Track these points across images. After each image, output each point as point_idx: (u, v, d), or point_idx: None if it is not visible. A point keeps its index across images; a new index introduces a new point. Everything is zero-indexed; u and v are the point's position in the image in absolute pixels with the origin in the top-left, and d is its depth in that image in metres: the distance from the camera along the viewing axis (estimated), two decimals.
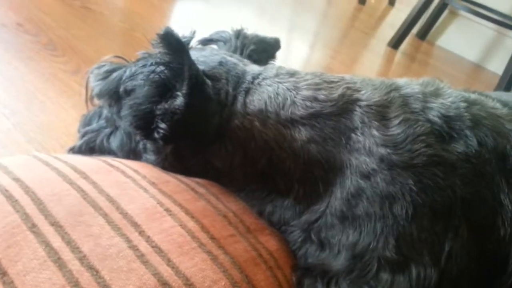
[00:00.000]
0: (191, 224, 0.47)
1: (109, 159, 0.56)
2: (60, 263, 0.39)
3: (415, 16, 2.17)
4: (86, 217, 0.44)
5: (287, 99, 0.51)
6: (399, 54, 2.16)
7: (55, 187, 0.46)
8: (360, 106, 0.50)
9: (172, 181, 0.54)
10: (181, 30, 0.59)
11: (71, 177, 0.49)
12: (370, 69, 1.92)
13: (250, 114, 0.52)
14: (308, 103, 0.51)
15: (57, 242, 0.40)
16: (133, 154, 0.60)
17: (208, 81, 0.52)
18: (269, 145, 0.51)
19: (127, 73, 0.56)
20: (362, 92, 0.51)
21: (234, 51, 0.65)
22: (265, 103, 0.52)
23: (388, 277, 0.45)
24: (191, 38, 0.59)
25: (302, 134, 0.50)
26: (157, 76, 0.51)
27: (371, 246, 0.46)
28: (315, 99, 0.51)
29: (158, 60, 0.50)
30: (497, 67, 2.23)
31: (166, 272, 0.41)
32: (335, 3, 2.91)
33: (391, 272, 0.45)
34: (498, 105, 0.52)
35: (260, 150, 0.52)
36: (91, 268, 0.39)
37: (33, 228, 0.41)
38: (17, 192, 0.45)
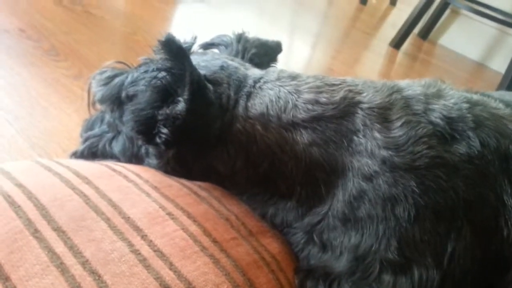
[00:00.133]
0: (193, 227, 0.47)
1: (112, 164, 0.56)
2: (62, 268, 0.39)
3: (417, 16, 2.16)
4: (88, 222, 0.44)
5: (288, 102, 0.51)
6: (401, 54, 2.15)
7: (57, 192, 0.47)
8: (361, 109, 0.50)
9: (174, 185, 0.54)
10: (182, 34, 0.59)
11: (74, 182, 0.49)
12: (371, 69, 1.91)
13: (251, 118, 0.52)
14: (310, 106, 0.51)
15: (59, 247, 0.41)
16: (135, 158, 0.61)
17: (210, 86, 0.53)
18: (271, 149, 0.51)
19: (129, 78, 0.56)
20: (364, 94, 0.51)
21: (236, 55, 0.65)
22: (267, 106, 0.52)
23: (390, 279, 0.45)
24: (193, 43, 0.60)
25: (304, 137, 0.50)
26: (158, 81, 0.51)
27: (373, 248, 0.46)
28: (317, 102, 0.51)
29: (160, 65, 0.50)
30: (499, 65, 2.22)
31: (168, 276, 0.41)
32: (336, 3, 2.91)
33: (393, 274, 0.45)
34: (500, 105, 0.52)
35: (262, 154, 0.52)
36: (93, 273, 0.39)
37: (35, 233, 0.41)
38: (20, 198, 0.45)
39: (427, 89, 0.52)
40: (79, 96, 1.00)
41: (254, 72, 0.57)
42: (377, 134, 0.48)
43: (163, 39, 0.48)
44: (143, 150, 0.60)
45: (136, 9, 1.67)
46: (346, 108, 0.50)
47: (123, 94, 0.56)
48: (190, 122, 0.50)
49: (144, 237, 0.44)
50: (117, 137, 0.62)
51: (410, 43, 2.30)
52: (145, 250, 0.43)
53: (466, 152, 0.46)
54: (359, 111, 0.49)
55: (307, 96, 0.51)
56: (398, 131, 0.47)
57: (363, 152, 0.48)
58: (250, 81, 0.54)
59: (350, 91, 0.51)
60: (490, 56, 2.34)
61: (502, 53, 2.25)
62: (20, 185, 0.47)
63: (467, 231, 0.45)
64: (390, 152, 0.47)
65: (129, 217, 0.46)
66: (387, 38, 2.22)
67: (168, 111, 0.50)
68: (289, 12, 2.39)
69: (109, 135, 0.63)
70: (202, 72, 0.53)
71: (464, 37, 2.38)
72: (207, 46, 0.68)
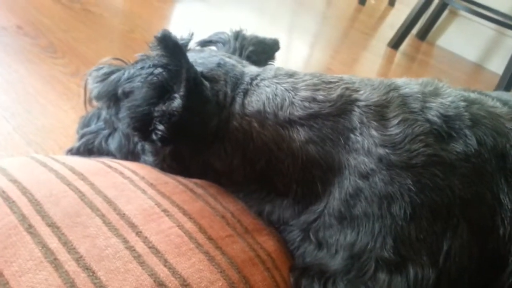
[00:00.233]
0: (188, 225, 0.47)
1: (108, 161, 0.56)
2: (56, 264, 0.39)
3: (415, 16, 2.17)
4: (83, 218, 0.44)
5: (285, 100, 0.51)
6: (399, 55, 2.15)
7: (52, 188, 0.46)
8: (358, 106, 0.49)
9: (170, 182, 0.53)
10: (181, 32, 0.59)
11: (69, 179, 0.49)
12: (370, 69, 1.91)
13: (248, 115, 0.52)
14: (307, 104, 0.50)
15: (53, 243, 0.40)
16: (131, 155, 0.60)
17: (206, 83, 0.52)
18: (268, 146, 0.51)
19: (125, 75, 0.56)
20: (361, 92, 0.51)
21: (233, 53, 0.65)
22: (264, 104, 0.52)
23: (385, 278, 0.44)
24: (189, 40, 0.59)
25: (300, 134, 0.50)
26: (155, 78, 0.51)
27: (369, 246, 0.46)
28: (314, 99, 0.51)
29: (156, 62, 0.50)
30: (497, 66, 2.22)
31: (163, 272, 0.41)
32: (335, 3, 2.91)
33: (389, 273, 0.45)
34: (498, 104, 0.52)
35: (259, 151, 0.52)
36: (87, 269, 0.39)
37: (29, 229, 0.41)
38: (14, 193, 0.44)
39: (424, 87, 0.52)
40: (76, 93, 0.99)
41: (251, 69, 0.57)
42: (373, 132, 0.48)
43: (159, 35, 0.48)
44: (139, 147, 0.59)
45: (135, 7, 1.67)
46: (343, 106, 0.50)
47: (120, 91, 0.56)
48: (186, 119, 0.50)
49: (139, 233, 0.44)
50: (113, 134, 0.62)
51: (408, 44, 2.30)
52: (140, 247, 0.43)
53: (463, 151, 0.46)
54: (356, 109, 0.49)
55: (304, 93, 0.51)
56: (395, 129, 0.47)
57: (359, 150, 0.48)
58: (247, 78, 0.54)
59: (347, 88, 0.51)
60: (488, 57, 2.34)
61: (500, 54, 2.26)
62: (15, 181, 0.46)
63: (463, 229, 0.45)
64: (386, 150, 0.47)
65: (124, 214, 0.46)
66: (385, 38, 2.23)
67: (164, 108, 0.50)
68: (288, 12, 2.39)
69: (105, 132, 0.63)
70: (199, 69, 0.53)
71: (462, 38, 2.39)
72: (204, 43, 0.68)
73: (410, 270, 0.44)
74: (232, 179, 0.55)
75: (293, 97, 0.51)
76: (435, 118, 0.48)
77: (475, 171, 0.46)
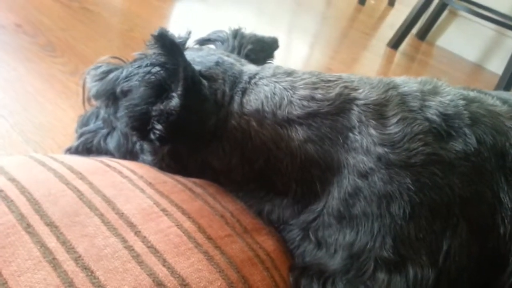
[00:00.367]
0: (187, 224, 0.47)
1: (106, 160, 0.56)
2: (55, 264, 0.39)
3: (415, 16, 2.17)
4: (81, 217, 0.44)
5: (284, 98, 0.51)
6: (398, 55, 2.15)
7: (51, 188, 0.46)
8: (357, 105, 0.49)
9: (169, 182, 0.53)
10: (180, 31, 0.59)
11: (68, 178, 0.48)
12: (369, 69, 1.91)
13: (246, 114, 0.52)
14: (305, 103, 0.50)
15: (52, 242, 0.40)
16: (130, 154, 0.60)
17: (205, 82, 0.52)
18: (266, 145, 0.51)
19: (123, 74, 0.55)
20: (360, 91, 0.51)
21: (232, 51, 0.65)
22: (262, 103, 0.52)
23: (384, 277, 0.44)
24: (187, 38, 0.59)
25: (299, 133, 0.50)
26: (152, 77, 0.50)
27: (368, 246, 0.45)
28: (312, 98, 0.50)
29: (154, 61, 0.50)
30: (497, 67, 2.22)
31: (162, 272, 0.41)
32: (334, 3, 2.91)
33: (388, 272, 0.44)
34: (497, 102, 0.52)
35: (257, 150, 0.51)
36: (86, 269, 0.39)
37: (28, 228, 0.41)
38: (13, 193, 0.44)
39: (423, 86, 0.52)
40: (75, 92, 0.99)
41: (249, 68, 0.57)
42: (372, 131, 0.47)
43: (156, 33, 0.48)
44: (137, 146, 0.59)
45: (134, 6, 1.67)
46: (342, 105, 0.50)
47: (118, 90, 0.56)
48: (184, 118, 0.50)
49: (137, 233, 0.44)
50: (112, 133, 0.62)
51: (408, 44, 2.30)
52: (139, 246, 0.43)
53: (462, 149, 0.46)
54: (355, 108, 0.49)
55: (303, 92, 0.51)
56: (393, 128, 0.47)
57: (358, 149, 0.48)
58: (246, 77, 0.54)
59: (345, 87, 0.51)
60: (487, 58, 2.34)
61: (499, 55, 2.26)
62: (13, 180, 0.46)
63: (463, 228, 0.45)
64: (385, 149, 0.47)
65: (123, 213, 0.45)
66: (385, 38, 2.22)
67: (162, 107, 0.50)
68: (287, 12, 2.39)
69: (104, 131, 0.63)
70: (197, 67, 0.53)
71: (462, 38, 2.39)
72: (203, 42, 0.67)
73: (409, 270, 0.44)
74: (231, 178, 0.55)
75: (292, 96, 0.51)
76: (434, 117, 0.48)
77: (474, 170, 0.46)
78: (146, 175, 0.53)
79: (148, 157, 0.58)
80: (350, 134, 0.48)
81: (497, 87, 1.94)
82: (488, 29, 2.29)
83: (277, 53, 0.72)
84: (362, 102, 0.49)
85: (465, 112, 0.48)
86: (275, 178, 0.52)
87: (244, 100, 0.52)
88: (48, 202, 0.44)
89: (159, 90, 0.51)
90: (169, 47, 0.48)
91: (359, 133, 0.48)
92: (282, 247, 0.53)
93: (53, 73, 1.06)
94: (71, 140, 0.69)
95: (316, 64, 1.79)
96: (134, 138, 0.58)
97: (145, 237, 0.44)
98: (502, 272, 0.46)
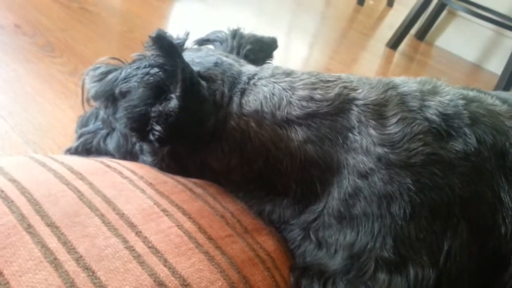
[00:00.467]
0: (188, 224, 0.47)
1: (106, 160, 0.56)
2: (56, 264, 0.39)
3: (414, 17, 2.17)
4: (82, 217, 0.44)
5: (283, 99, 0.51)
6: (397, 55, 2.16)
7: (51, 188, 0.46)
8: (356, 105, 0.49)
9: (169, 182, 0.53)
10: (179, 31, 0.59)
11: (68, 178, 0.48)
12: (368, 69, 1.91)
13: (245, 115, 0.52)
14: (304, 103, 0.50)
15: (53, 242, 0.40)
16: (130, 155, 0.60)
17: (203, 83, 0.52)
18: (266, 146, 0.51)
19: (122, 75, 0.55)
20: (359, 91, 0.51)
21: (231, 51, 0.65)
22: (261, 103, 0.52)
23: (385, 278, 0.44)
24: (185, 39, 0.59)
25: (298, 134, 0.50)
26: (151, 78, 0.50)
27: (368, 246, 0.45)
28: (311, 98, 0.51)
29: (152, 62, 0.50)
30: (496, 67, 2.23)
31: (163, 272, 0.41)
32: (333, 4, 2.92)
33: (389, 273, 0.44)
34: (497, 102, 0.52)
35: (257, 151, 0.52)
36: (87, 269, 0.39)
37: (29, 228, 0.41)
38: (13, 193, 0.44)
39: (422, 85, 0.52)
40: (74, 92, 0.99)
41: (248, 68, 0.57)
42: (372, 131, 0.48)
43: (153, 35, 0.48)
44: (137, 147, 0.59)
45: (133, 7, 1.67)
46: (341, 105, 0.50)
47: (117, 91, 0.56)
48: (183, 119, 0.50)
49: (138, 233, 0.44)
50: (112, 133, 0.62)
51: (406, 44, 2.30)
52: (140, 247, 0.43)
53: (462, 149, 0.46)
54: (354, 108, 0.49)
55: (302, 92, 0.51)
56: (393, 128, 0.47)
57: (358, 149, 0.48)
58: (244, 78, 0.54)
59: (345, 87, 0.51)
60: (486, 58, 2.35)
61: (498, 55, 2.26)
62: (13, 180, 0.46)
63: (463, 228, 0.45)
64: (385, 149, 0.47)
65: (123, 213, 0.45)
66: (384, 38, 2.23)
67: (160, 108, 0.50)
68: (287, 12, 2.39)
69: (104, 131, 0.63)
70: (196, 68, 0.53)
71: (461, 38, 2.39)
72: (202, 42, 0.67)
73: (410, 270, 0.44)
74: (230, 179, 0.55)
75: (291, 96, 0.51)
76: (434, 117, 0.48)
77: (474, 169, 0.46)
78: (146, 176, 0.53)
79: (148, 157, 0.58)
80: (350, 135, 0.48)
81: (496, 87, 1.94)
82: (487, 29, 2.29)
83: (276, 53, 0.72)
84: (361, 102, 0.49)
85: (464, 111, 0.48)
86: (275, 179, 0.52)
87: (243, 101, 0.53)
88: (48, 203, 0.44)
89: (158, 91, 0.51)
90: (167, 48, 0.48)
91: (359, 133, 0.48)
92: (283, 247, 0.53)
93: (52, 73, 1.06)
94: (71, 140, 0.69)
95: (315, 64, 1.79)
96: (134, 139, 0.58)
97: (146, 237, 0.44)
98: (503, 272, 0.46)
